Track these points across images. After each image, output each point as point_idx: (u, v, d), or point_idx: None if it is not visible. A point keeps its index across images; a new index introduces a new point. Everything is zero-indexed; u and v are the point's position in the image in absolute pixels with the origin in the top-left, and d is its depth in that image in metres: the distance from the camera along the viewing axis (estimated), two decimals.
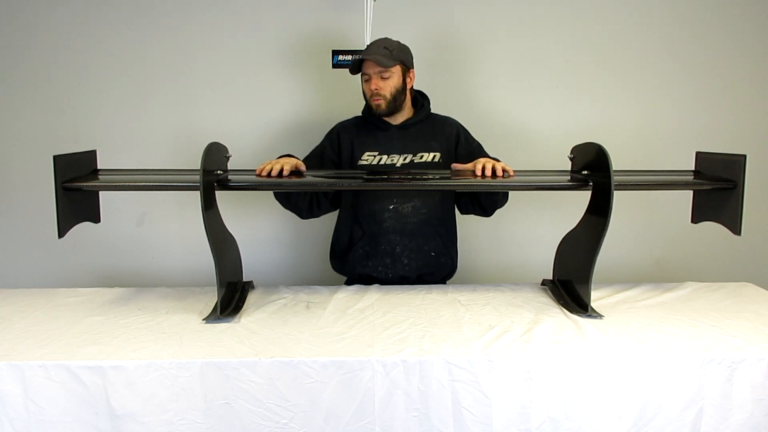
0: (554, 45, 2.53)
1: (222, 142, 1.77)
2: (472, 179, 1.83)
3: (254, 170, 1.80)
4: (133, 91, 2.51)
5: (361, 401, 1.35)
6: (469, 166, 1.81)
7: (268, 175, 1.74)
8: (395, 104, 1.96)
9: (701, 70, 2.56)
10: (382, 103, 1.93)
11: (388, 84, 1.92)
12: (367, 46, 1.99)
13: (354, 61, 1.96)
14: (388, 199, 1.97)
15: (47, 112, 2.51)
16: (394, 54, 1.92)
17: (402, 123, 2.01)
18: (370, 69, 1.92)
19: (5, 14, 2.45)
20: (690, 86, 2.57)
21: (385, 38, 1.97)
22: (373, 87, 1.92)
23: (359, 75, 1.98)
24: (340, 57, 2.44)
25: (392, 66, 1.91)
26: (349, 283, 2.06)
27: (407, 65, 1.97)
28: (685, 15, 2.53)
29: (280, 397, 1.34)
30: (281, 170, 1.74)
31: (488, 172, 1.73)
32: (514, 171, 1.77)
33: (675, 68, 2.55)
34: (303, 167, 1.84)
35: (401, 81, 1.95)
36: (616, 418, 1.37)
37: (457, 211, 2.12)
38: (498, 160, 1.82)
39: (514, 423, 1.36)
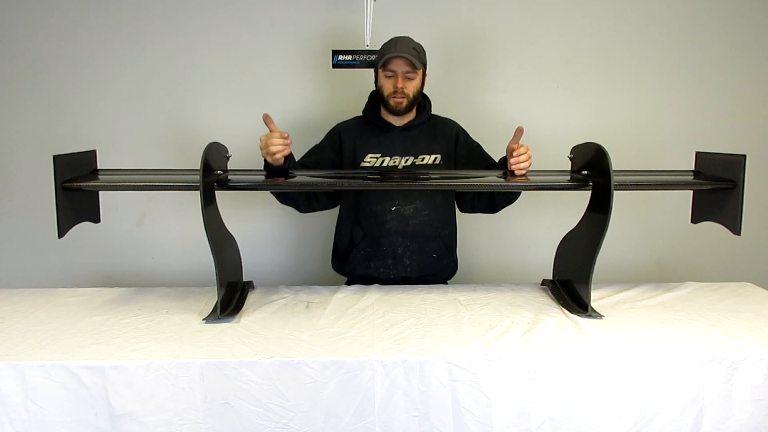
0: (554, 45, 2.53)
1: (222, 142, 1.77)
2: (473, 180, 1.82)
3: (254, 170, 1.80)
4: (133, 91, 2.51)
5: (361, 401, 1.35)
6: (515, 146, 1.76)
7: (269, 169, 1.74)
8: (412, 105, 1.97)
9: (701, 70, 2.56)
10: (404, 102, 1.93)
11: (412, 84, 1.92)
12: (392, 39, 1.94)
13: (382, 56, 1.91)
14: (390, 201, 1.97)
15: (47, 112, 2.51)
16: (420, 56, 1.93)
17: (405, 125, 2.01)
18: (399, 67, 1.90)
19: (5, 14, 2.45)
20: (690, 86, 2.57)
21: (408, 37, 1.95)
22: (399, 85, 1.90)
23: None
24: (340, 57, 2.44)
25: (420, 68, 1.92)
26: (349, 283, 2.05)
27: (425, 69, 1.98)
28: (685, 15, 2.53)
29: (280, 397, 1.34)
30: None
31: (523, 165, 1.73)
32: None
33: (675, 68, 2.56)
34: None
35: (421, 84, 1.97)
36: (616, 418, 1.37)
37: (458, 213, 2.12)
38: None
39: (514, 423, 1.36)
